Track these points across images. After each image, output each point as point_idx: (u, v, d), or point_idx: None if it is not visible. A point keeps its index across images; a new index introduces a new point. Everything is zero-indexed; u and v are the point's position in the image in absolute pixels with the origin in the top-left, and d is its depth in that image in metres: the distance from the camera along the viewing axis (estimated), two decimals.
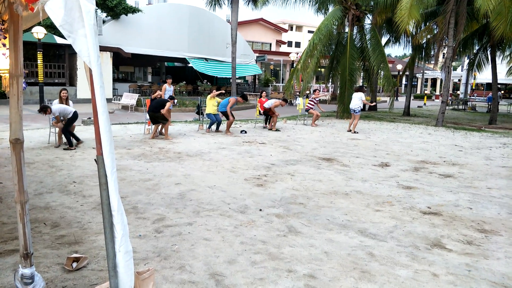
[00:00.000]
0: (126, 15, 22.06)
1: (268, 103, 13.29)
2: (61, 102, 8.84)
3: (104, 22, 22.32)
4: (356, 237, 4.34)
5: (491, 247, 4.18)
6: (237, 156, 8.52)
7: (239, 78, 31.11)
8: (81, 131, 10.95)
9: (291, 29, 56.73)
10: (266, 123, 13.78)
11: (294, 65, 21.91)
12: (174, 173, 6.84)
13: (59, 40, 19.20)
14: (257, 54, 32.03)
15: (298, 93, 22.10)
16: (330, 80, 21.40)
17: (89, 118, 12.43)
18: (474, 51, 20.80)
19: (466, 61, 29.12)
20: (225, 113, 11.96)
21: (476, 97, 31.21)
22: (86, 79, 2.51)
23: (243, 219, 4.76)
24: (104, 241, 2.51)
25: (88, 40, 2.40)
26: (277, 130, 13.10)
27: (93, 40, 2.40)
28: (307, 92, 16.77)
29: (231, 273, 3.41)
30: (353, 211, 5.21)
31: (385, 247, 4.07)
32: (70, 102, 9.10)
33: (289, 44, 53.50)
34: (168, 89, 13.20)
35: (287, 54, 31.66)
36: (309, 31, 54.71)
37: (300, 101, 16.19)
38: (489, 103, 23.72)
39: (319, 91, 17.37)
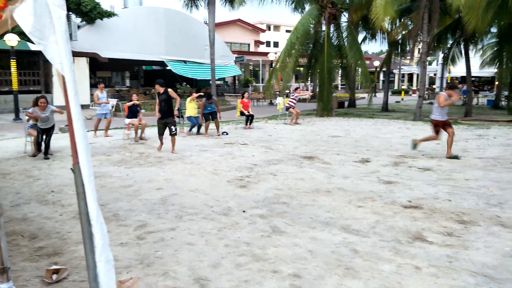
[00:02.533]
0: (102, 19, 21.72)
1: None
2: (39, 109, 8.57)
3: (79, 27, 21.92)
4: (339, 234, 4.37)
5: (470, 237, 4.27)
6: (219, 158, 8.48)
7: (219, 79, 31.00)
8: (58, 138, 10.75)
9: (269, 29, 56.88)
10: (246, 124, 13.77)
11: (273, 65, 21.98)
12: (155, 178, 6.77)
13: (33, 47, 18.74)
14: (236, 55, 32.00)
15: (278, 92, 22.18)
16: (309, 79, 21.53)
17: (66, 125, 12.17)
18: (448, 45, 21.25)
19: (441, 55, 29.71)
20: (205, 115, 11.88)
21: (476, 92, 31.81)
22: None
23: (227, 221, 4.74)
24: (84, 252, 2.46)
25: (60, 46, 2.34)
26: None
27: (65, 46, 2.34)
28: (287, 91, 16.83)
29: (216, 277, 3.38)
30: (335, 208, 5.25)
31: (368, 243, 4.11)
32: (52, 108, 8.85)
33: (268, 44, 53.64)
34: (100, 97, 11.45)
35: (266, 54, 31.74)
36: (287, 31, 54.94)
37: (280, 101, 16.25)
38: (464, 96, 24.26)
39: (301, 89, 17.50)
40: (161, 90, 8.90)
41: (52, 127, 8.60)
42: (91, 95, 22.37)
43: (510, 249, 3.95)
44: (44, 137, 8.46)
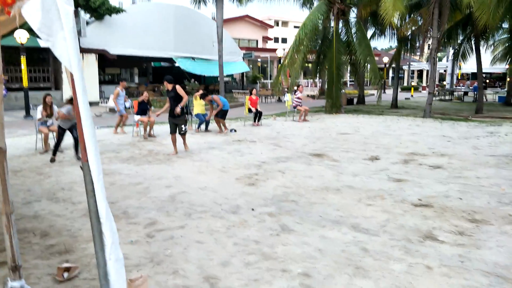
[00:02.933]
0: (110, 15, 21.77)
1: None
2: (45, 108, 8.69)
3: (87, 23, 21.99)
4: (349, 232, 4.34)
5: (482, 236, 4.21)
6: (228, 156, 8.47)
7: (227, 76, 30.94)
8: (68, 135, 10.80)
9: (277, 25, 56.69)
10: (254, 121, 13.73)
11: (282, 61, 21.89)
12: (164, 176, 6.78)
13: (42, 43, 18.85)
14: (244, 51, 31.91)
15: (286, 89, 22.09)
16: (318, 75, 21.41)
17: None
18: (459, 41, 20.94)
19: (451, 51, 29.35)
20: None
21: (462, 87, 31.50)
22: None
23: (236, 219, 4.73)
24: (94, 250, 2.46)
25: (68, 43, 2.33)
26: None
27: (73, 43, 2.33)
28: (295, 87, 16.77)
29: (225, 276, 3.38)
30: (345, 206, 5.21)
31: (378, 242, 4.08)
32: (55, 107, 8.97)
33: (276, 40, 53.45)
34: (121, 94, 11.71)
35: (274, 50, 31.60)
36: (295, 27, 54.70)
37: (288, 98, 16.20)
38: (475, 93, 23.98)
39: (303, 86, 17.44)
40: (170, 87, 8.50)
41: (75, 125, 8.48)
42: (100, 91, 22.55)
43: None
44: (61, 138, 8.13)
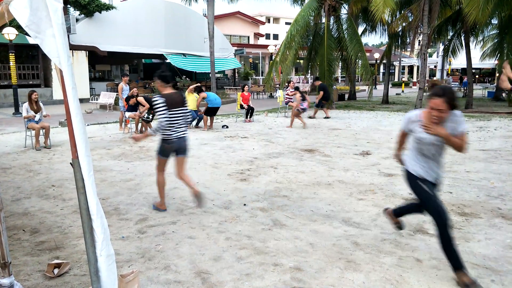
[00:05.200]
0: (100, 12, 21.60)
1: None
2: (31, 104, 8.61)
3: (77, 20, 21.79)
4: (340, 226, 4.37)
5: (471, 229, 4.27)
6: (220, 152, 8.47)
7: (218, 72, 30.90)
8: (58, 132, 10.73)
9: (268, 22, 56.55)
10: (246, 117, 13.73)
11: (273, 57, 21.89)
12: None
13: (31, 40, 18.67)
14: (236, 48, 31.86)
15: (278, 85, 22.10)
16: (309, 71, 21.45)
17: (65, 119, 12.15)
18: (449, 37, 21.10)
19: (441, 47, 29.59)
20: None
21: (452, 82, 31.76)
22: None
23: (228, 215, 4.74)
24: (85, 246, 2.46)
25: (57, 40, 2.32)
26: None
27: (62, 40, 2.32)
28: (286, 84, 16.82)
29: (217, 270, 3.38)
30: (336, 201, 5.24)
31: (369, 236, 4.11)
32: (41, 104, 8.89)
33: (267, 36, 53.34)
34: (125, 89, 11.73)
35: (266, 46, 31.61)
36: (287, 23, 54.62)
37: (280, 94, 16.21)
38: (465, 88, 24.20)
39: (294, 82, 17.47)
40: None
41: None
42: (91, 88, 22.38)
43: (511, 241, 3.95)
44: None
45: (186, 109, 4.72)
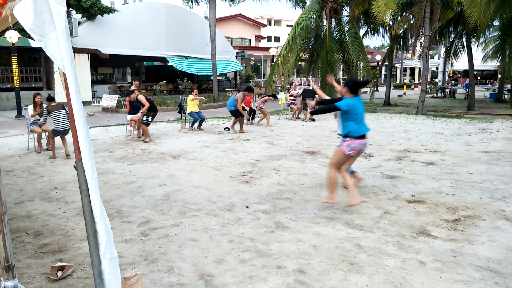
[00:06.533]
0: (102, 15, 21.65)
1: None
2: (35, 107, 8.63)
3: (79, 23, 21.87)
4: (343, 229, 4.36)
5: (475, 231, 4.26)
6: (222, 154, 8.47)
7: (220, 75, 30.93)
8: None
9: (270, 24, 56.70)
10: (248, 119, 13.72)
11: (275, 59, 21.91)
12: (158, 174, 6.77)
13: (34, 43, 18.71)
14: (237, 50, 31.89)
15: (279, 87, 22.11)
16: (311, 74, 21.46)
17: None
18: (450, 39, 21.10)
19: (443, 49, 29.54)
20: (234, 112, 11.81)
21: (455, 85, 31.74)
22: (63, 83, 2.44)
23: (230, 217, 4.74)
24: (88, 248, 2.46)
25: (61, 43, 2.33)
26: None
27: (65, 43, 2.33)
28: (288, 86, 16.83)
29: (220, 273, 3.38)
30: (339, 203, 5.23)
31: (372, 238, 4.10)
32: (45, 107, 8.91)
33: (269, 39, 53.46)
34: None
35: (267, 49, 31.61)
36: (288, 25, 54.75)
37: (282, 96, 16.21)
38: (467, 90, 24.17)
39: (295, 84, 17.48)
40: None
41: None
42: (93, 91, 22.41)
43: None
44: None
45: None
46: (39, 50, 19.81)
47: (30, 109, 8.67)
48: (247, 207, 5.09)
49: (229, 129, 12.11)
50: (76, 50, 20.00)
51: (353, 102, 4.81)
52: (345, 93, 4.93)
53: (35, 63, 20.77)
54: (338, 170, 4.97)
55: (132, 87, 11.91)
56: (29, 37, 18.63)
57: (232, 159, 7.98)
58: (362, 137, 4.88)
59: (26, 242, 4.03)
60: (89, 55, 21.31)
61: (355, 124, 4.84)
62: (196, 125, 12.14)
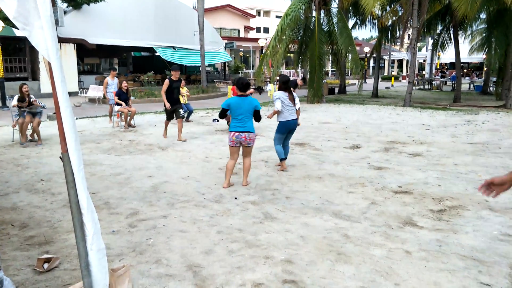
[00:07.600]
0: (89, 4, 21.28)
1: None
2: (22, 97, 8.48)
3: (65, 12, 21.44)
4: (330, 219, 4.40)
5: (459, 221, 4.33)
6: (210, 146, 8.45)
7: (209, 66, 30.73)
8: (47, 126, 10.59)
9: (259, 15, 56.30)
10: None
11: (264, 51, 21.83)
12: (146, 166, 6.73)
13: (18, 33, 18.35)
14: (226, 41, 31.69)
15: (268, 79, 22.07)
16: (300, 65, 21.44)
17: (54, 113, 12.02)
18: (438, 31, 21.25)
19: (430, 41, 29.75)
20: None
21: (441, 77, 32.03)
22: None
23: (219, 208, 4.74)
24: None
25: (45, 32, 2.28)
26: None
27: (50, 32, 2.28)
28: (277, 77, 16.81)
29: (209, 264, 3.39)
30: (326, 194, 5.28)
31: (359, 228, 4.15)
32: (32, 97, 8.77)
33: (258, 30, 53.14)
34: (110, 83, 11.60)
35: (256, 40, 31.49)
36: (277, 16, 54.39)
37: (271, 87, 16.18)
38: (453, 82, 24.42)
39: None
40: (177, 77, 8.88)
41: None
42: (80, 82, 22.11)
43: (498, 233, 4.02)
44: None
45: None
46: (24, 40, 19.42)
47: (15, 99, 8.52)
48: (235, 198, 5.10)
49: (217, 120, 12.06)
50: (62, 40, 19.66)
51: (232, 101, 5.53)
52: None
53: (20, 53, 20.39)
54: (233, 159, 5.57)
55: (107, 78, 11.77)
56: (14, 26, 18.24)
57: (221, 150, 7.96)
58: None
59: (11, 234, 3.98)
60: (75, 45, 20.97)
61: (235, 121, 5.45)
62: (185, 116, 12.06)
